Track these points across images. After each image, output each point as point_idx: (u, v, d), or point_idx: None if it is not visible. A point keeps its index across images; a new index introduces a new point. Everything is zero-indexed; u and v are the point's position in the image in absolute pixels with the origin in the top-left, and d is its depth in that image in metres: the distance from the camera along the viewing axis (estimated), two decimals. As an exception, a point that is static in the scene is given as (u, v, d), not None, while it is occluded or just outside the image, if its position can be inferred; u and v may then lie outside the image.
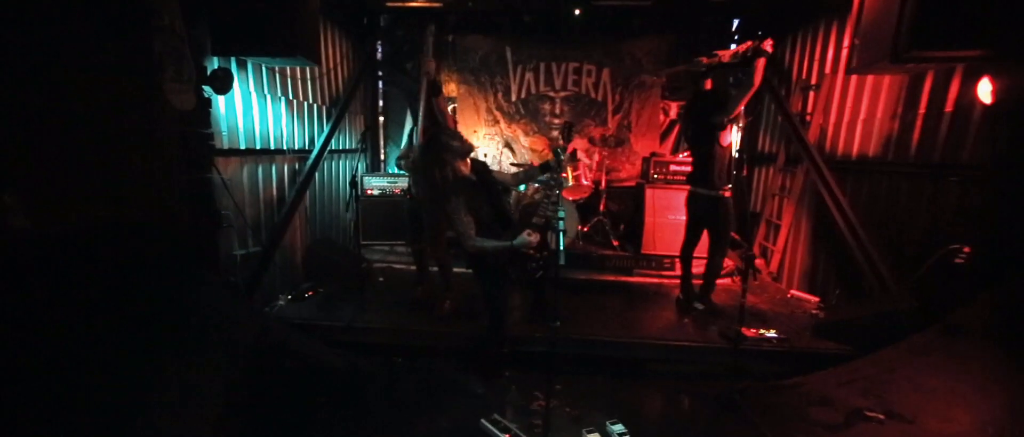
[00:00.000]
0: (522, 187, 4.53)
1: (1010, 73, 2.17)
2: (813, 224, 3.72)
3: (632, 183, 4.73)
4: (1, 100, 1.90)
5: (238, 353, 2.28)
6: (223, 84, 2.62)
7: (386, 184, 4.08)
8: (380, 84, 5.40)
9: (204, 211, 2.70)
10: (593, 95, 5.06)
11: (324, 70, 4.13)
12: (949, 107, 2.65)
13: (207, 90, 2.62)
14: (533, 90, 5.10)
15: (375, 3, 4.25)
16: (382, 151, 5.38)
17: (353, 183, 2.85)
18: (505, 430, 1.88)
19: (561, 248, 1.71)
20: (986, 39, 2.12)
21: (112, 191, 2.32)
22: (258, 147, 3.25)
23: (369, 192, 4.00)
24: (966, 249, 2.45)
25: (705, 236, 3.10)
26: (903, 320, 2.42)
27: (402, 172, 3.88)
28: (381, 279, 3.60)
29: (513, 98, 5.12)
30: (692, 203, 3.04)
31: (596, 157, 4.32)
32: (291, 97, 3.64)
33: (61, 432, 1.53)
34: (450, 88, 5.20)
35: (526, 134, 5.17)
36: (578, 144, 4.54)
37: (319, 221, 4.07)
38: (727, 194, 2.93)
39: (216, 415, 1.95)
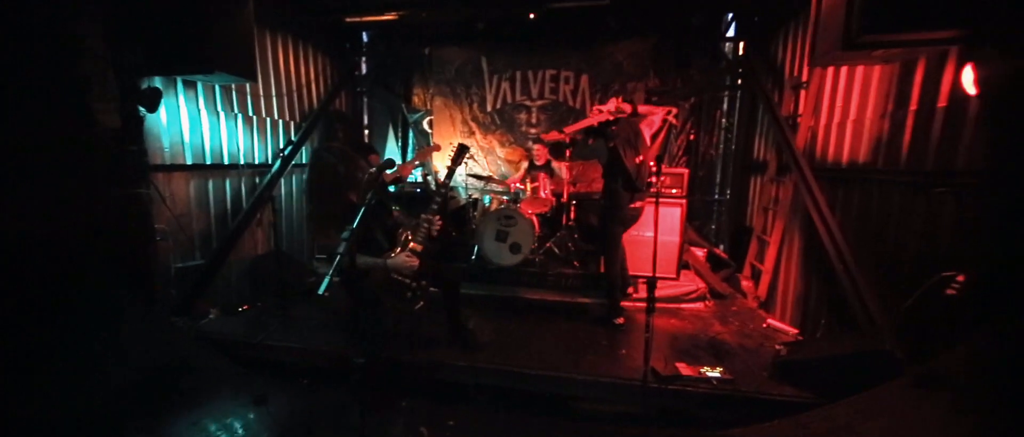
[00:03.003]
0: (487, 199, 4.35)
1: (1000, 56, 1.71)
2: (804, 242, 3.21)
3: (608, 195, 4.39)
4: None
5: (135, 365, 2.27)
6: (152, 102, 2.70)
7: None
8: (365, 99, 5.49)
9: (136, 226, 2.79)
10: (571, 103, 4.81)
11: (293, 86, 4.24)
12: (942, 101, 2.16)
13: (141, 109, 2.72)
14: (509, 99, 4.94)
15: (335, 18, 4.28)
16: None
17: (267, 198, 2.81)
18: (357, 471, 1.69)
19: (328, 275, 1.54)
20: (960, 16, 1.70)
21: (36, 207, 2.44)
22: (208, 162, 3.34)
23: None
24: (960, 277, 1.95)
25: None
26: (872, 364, 1.95)
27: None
28: (326, 294, 3.53)
29: (488, 108, 4.99)
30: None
31: (565, 167, 4.04)
32: (251, 113, 3.74)
33: None
34: (428, 102, 5.17)
35: (502, 145, 5.01)
36: (545, 153, 4.29)
37: (286, 235, 4.12)
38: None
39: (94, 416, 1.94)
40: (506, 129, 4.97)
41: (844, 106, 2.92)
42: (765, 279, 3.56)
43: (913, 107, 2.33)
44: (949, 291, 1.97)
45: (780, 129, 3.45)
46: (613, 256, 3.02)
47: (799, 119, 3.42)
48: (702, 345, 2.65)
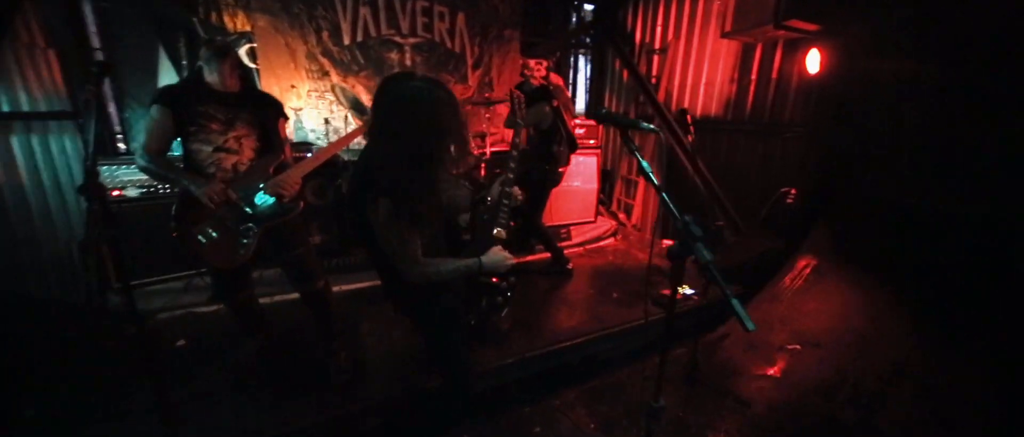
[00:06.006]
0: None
1: (832, 47, 2.70)
2: (666, 177, 4.19)
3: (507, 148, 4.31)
4: None
5: None
6: None
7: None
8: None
9: None
10: (449, 44, 4.23)
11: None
12: (775, 75, 3.21)
13: None
14: (373, 33, 3.87)
15: None
16: (116, 118, 3.15)
17: (86, 189, 1.28)
18: None
19: (733, 300, 0.96)
20: (822, 16, 2.53)
21: None
22: None
23: (117, 193, 2.21)
24: (793, 191, 3.09)
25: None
26: (774, 257, 2.91)
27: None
28: (182, 343, 2.10)
29: (346, 41, 3.78)
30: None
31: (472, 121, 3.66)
32: None
33: None
34: (242, 21, 3.41)
35: (368, 91, 3.97)
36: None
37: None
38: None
39: None
40: (374, 70, 3.93)
41: (696, 72, 3.85)
42: (637, 211, 4.48)
43: (754, 76, 3.34)
44: (788, 201, 3.10)
45: (643, 86, 4.21)
46: (541, 213, 3.12)
47: (654, 80, 4.27)
48: (649, 271, 3.19)
